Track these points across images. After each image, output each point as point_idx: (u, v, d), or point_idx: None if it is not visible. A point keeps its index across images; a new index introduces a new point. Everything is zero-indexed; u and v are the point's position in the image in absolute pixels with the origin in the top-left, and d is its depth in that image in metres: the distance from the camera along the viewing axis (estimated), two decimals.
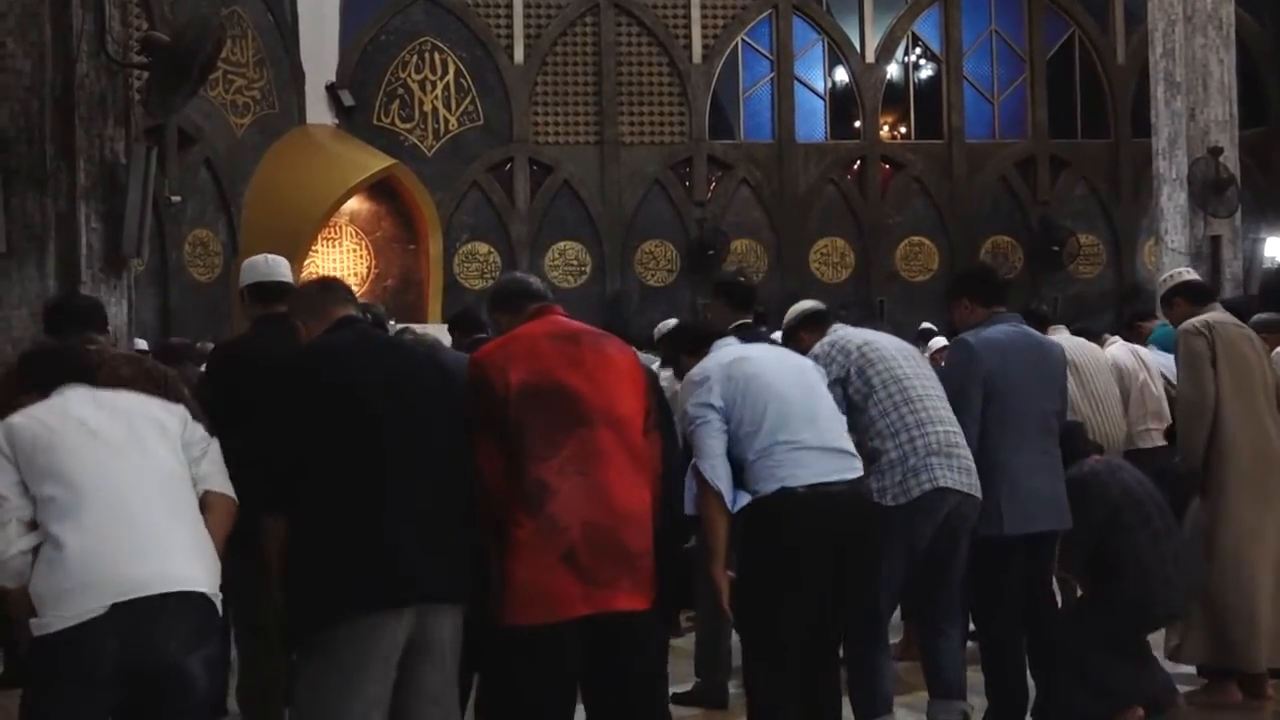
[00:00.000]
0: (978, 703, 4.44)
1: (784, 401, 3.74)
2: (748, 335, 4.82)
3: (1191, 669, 5.20)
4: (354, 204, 16.45)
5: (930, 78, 18.95)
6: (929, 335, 9.55)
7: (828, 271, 18.30)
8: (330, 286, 3.59)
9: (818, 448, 3.72)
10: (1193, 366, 4.98)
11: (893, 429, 4.03)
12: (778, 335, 5.09)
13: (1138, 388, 6.51)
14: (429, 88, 17.44)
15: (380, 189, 16.40)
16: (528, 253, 17.53)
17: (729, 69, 18.15)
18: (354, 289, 17.03)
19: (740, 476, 3.75)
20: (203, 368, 5.64)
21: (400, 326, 6.31)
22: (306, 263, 16.07)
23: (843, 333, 4.30)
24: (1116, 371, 6.45)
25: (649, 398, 3.60)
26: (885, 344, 4.23)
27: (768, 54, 18.23)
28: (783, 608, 3.68)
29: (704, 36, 17.98)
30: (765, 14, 18.13)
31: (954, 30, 18.54)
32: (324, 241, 16.43)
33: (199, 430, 3.26)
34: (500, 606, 3.27)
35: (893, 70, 18.71)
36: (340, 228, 16.61)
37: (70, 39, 6.62)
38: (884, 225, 18.35)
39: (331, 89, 16.73)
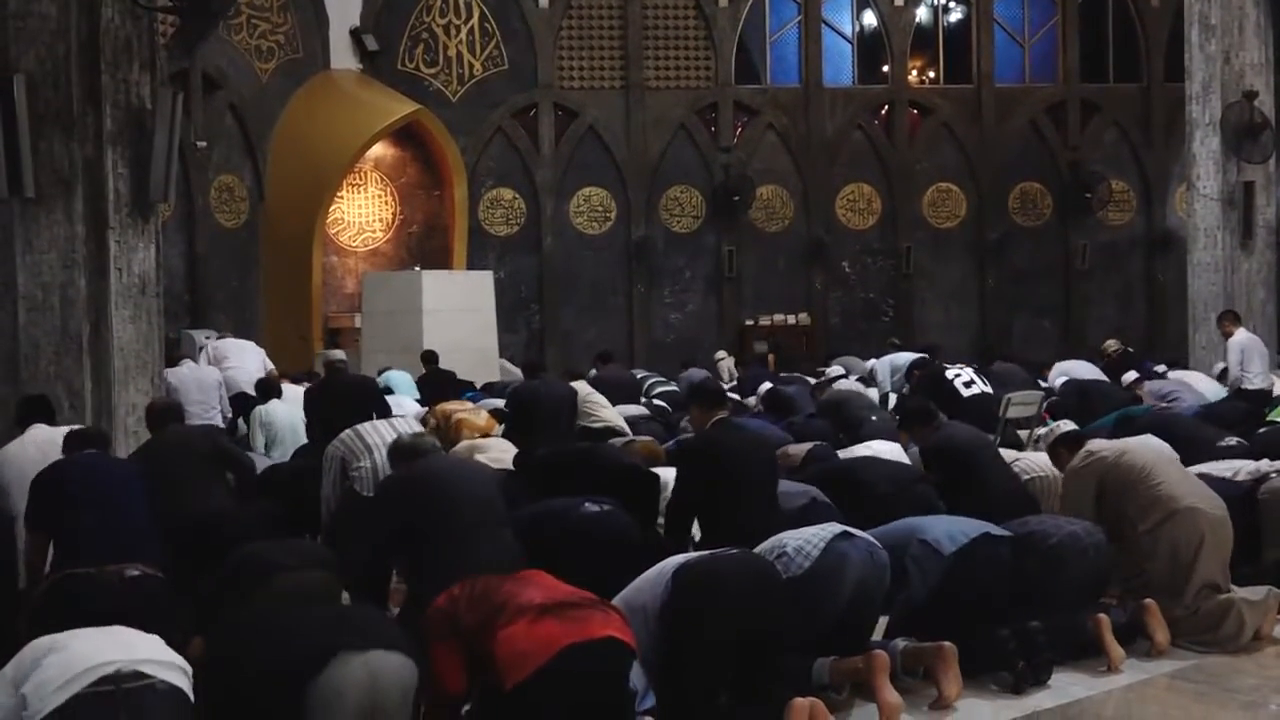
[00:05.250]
0: None
1: None
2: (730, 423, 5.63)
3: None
4: (378, 150, 16.41)
5: (960, 21, 18.66)
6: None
7: (854, 218, 18.18)
8: None
9: None
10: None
11: None
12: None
13: None
14: (453, 32, 17.31)
15: (405, 134, 16.36)
16: (552, 199, 17.48)
17: (755, 12, 17.92)
18: (379, 234, 16.64)
19: None
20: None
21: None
22: (332, 209, 16.10)
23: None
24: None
25: None
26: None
27: None
28: None
29: None
30: None
31: None
32: (349, 187, 16.42)
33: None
34: (498, 681, 3.57)
35: (922, 13, 18.43)
36: (365, 173, 16.60)
37: None
38: (911, 171, 18.18)
39: (356, 34, 16.63)
